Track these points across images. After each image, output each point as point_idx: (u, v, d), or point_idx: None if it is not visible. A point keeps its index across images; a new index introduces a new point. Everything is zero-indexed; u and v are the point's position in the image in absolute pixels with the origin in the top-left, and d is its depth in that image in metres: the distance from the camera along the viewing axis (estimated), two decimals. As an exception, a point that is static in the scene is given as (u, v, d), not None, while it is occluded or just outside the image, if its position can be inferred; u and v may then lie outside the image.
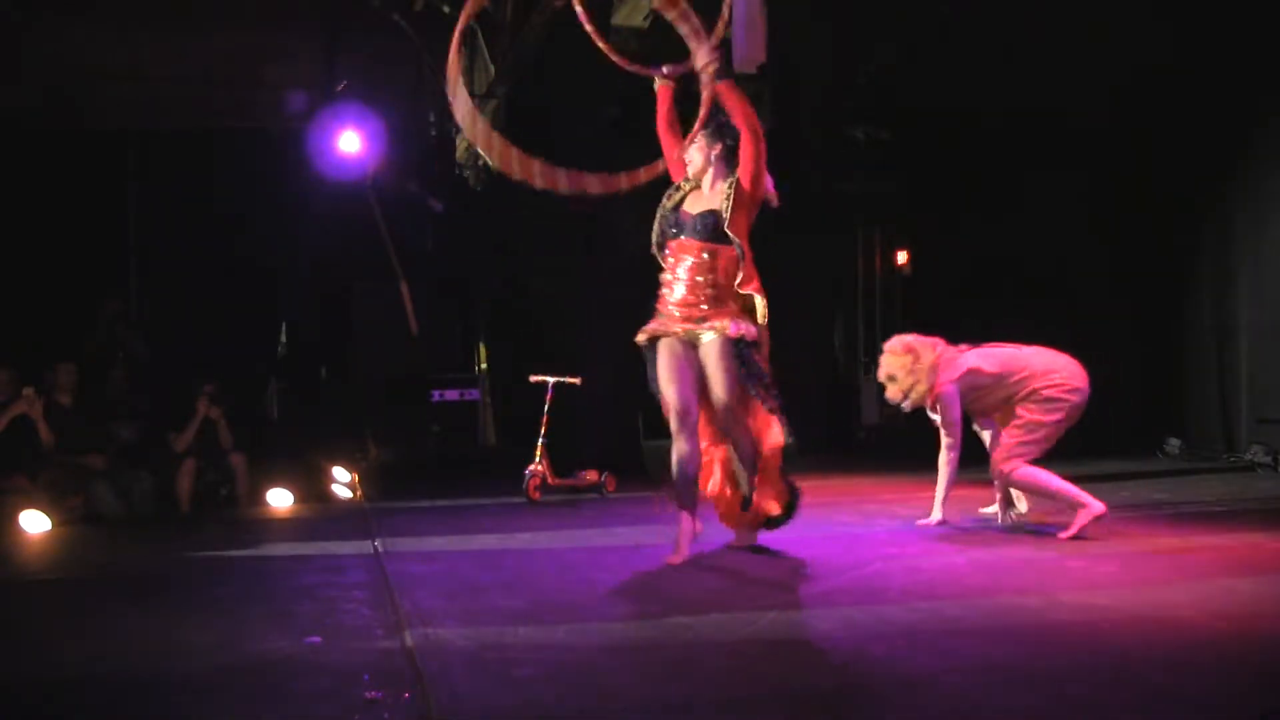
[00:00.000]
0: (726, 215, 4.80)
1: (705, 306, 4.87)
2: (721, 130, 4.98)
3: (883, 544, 5.30)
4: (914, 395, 5.89)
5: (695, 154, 5.05)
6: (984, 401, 5.93)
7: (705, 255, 4.87)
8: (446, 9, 12.80)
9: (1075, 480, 5.60)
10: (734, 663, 3.45)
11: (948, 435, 5.86)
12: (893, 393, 5.94)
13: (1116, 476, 7.61)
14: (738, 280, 4.85)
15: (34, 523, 6.50)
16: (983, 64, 10.06)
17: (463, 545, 5.72)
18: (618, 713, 3.04)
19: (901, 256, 12.16)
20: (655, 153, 5.22)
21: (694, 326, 4.88)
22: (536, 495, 7.31)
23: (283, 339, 11.01)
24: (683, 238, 4.93)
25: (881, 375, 5.99)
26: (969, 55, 10.19)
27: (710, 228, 4.86)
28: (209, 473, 7.66)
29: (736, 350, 4.82)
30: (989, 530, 5.71)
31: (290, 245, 10.63)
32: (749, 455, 5.01)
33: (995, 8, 9.30)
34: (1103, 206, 9.52)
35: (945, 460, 5.86)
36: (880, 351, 6.10)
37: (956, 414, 5.82)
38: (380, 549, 5.53)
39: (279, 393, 10.66)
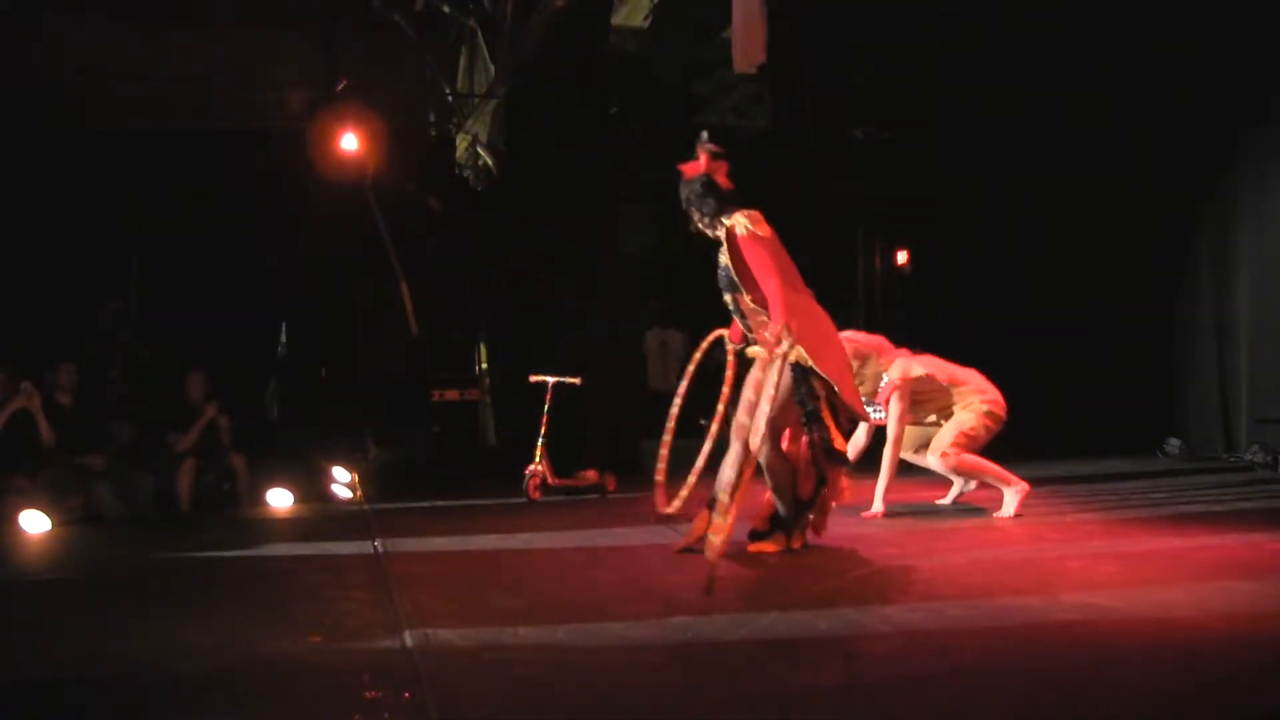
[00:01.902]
0: (731, 269, 5.10)
1: (767, 335, 5.06)
2: (686, 203, 5.28)
3: (883, 544, 5.30)
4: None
5: (698, 228, 5.35)
6: (925, 406, 6.28)
7: (743, 299, 5.16)
8: (446, 9, 12.85)
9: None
10: (734, 663, 3.45)
11: (894, 430, 6.15)
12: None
13: (1116, 476, 7.61)
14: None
15: (34, 523, 6.50)
16: (982, 63, 10.08)
17: (463, 545, 5.71)
18: (617, 713, 3.04)
19: (901, 256, 12.15)
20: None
21: (766, 351, 5.09)
22: (536, 495, 7.31)
23: (283, 339, 11.00)
24: (725, 294, 5.26)
25: None
26: (968, 55, 10.22)
27: (729, 280, 5.17)
28: (209, 473, 7.66)
29: (795, 372, 4.99)
30: (989, 530, 5.71)
31: (290, 245, 10.62)
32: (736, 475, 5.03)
33: (995, 7, 9.32)
34: (1102, 206, 9.52)
35: (890, 455, 6.18)
36: None
37: (904, 409, 6.17)
38: (380, 549, 5.53)
39: (279, 393, 10.66)
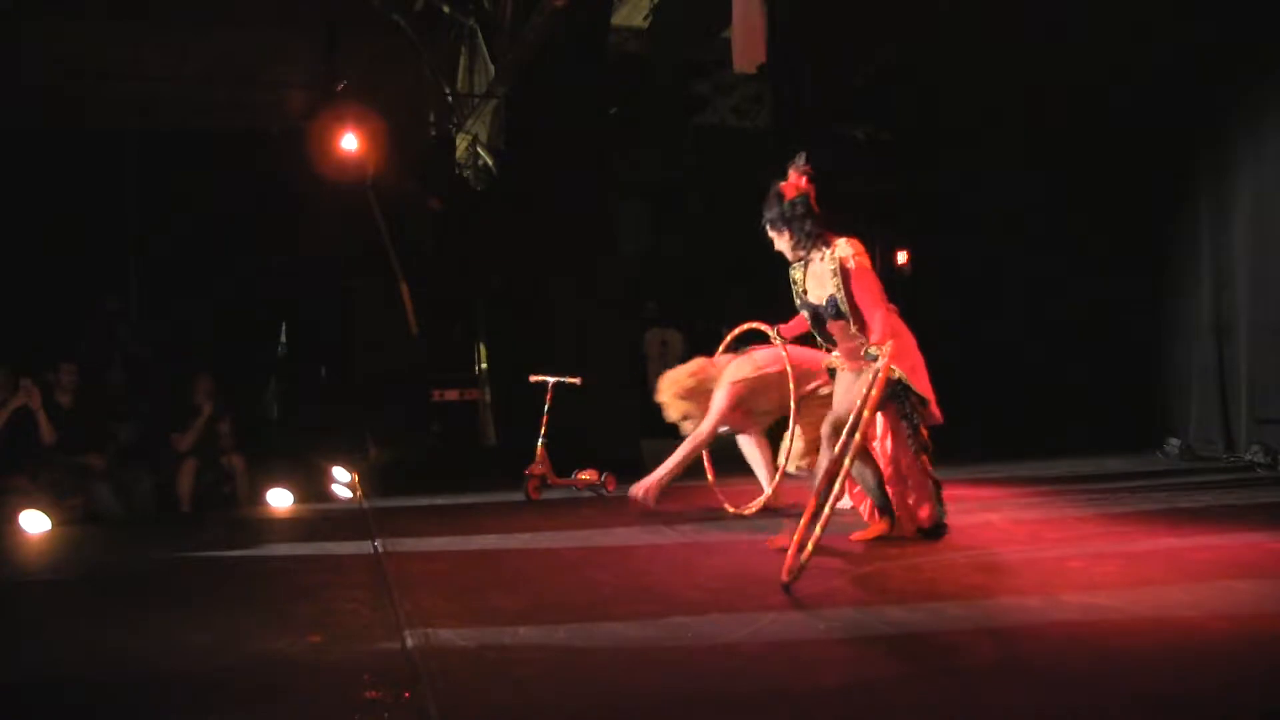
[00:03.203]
0: (841, 299, 5.11)
1: (863, 357, 5.15)
2: (781, 220, 5.22)
3: (883, 544, 5.29)
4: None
5: (782, 246, 5.32)
6: (760, 403, 6.24)
7: (850, 328, 5.18)
8: (446, 9, 12.86)
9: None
10: (734, 663, 3.45)
11: (708, 425, 6.14)
12: (688, 428, 6.36)
13: (1116, 476, 7.60)
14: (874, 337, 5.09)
15: (34, 523, 6.51)
16: (980, 62, 10.07)
17: (463, 545, 5.71)
18: (618, 713, 3.04)
19: (901, 256, 12.15)
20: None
21: (863, 367, 5.16)
22: (536, 495, 7.31)
23: (283, 339, 11.01)
24: (829, 321, 5.25)
25: (677, 416, 6.40)
26: (967, 54, 10.21)
27: (836, 309, 5.17)
28: (209, 473, 7.66)
29: (891, 387, 5.04)
30: (989, 530, 5.70)
31: (290, 245, 10.63)
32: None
33: (993, 6, 9.30)
34: (1102, 206, 9.52)
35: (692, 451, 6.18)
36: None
37: (725, 410, 6.15)
38: (380, 549, 5.53)
39: (279, 393, 10.67)
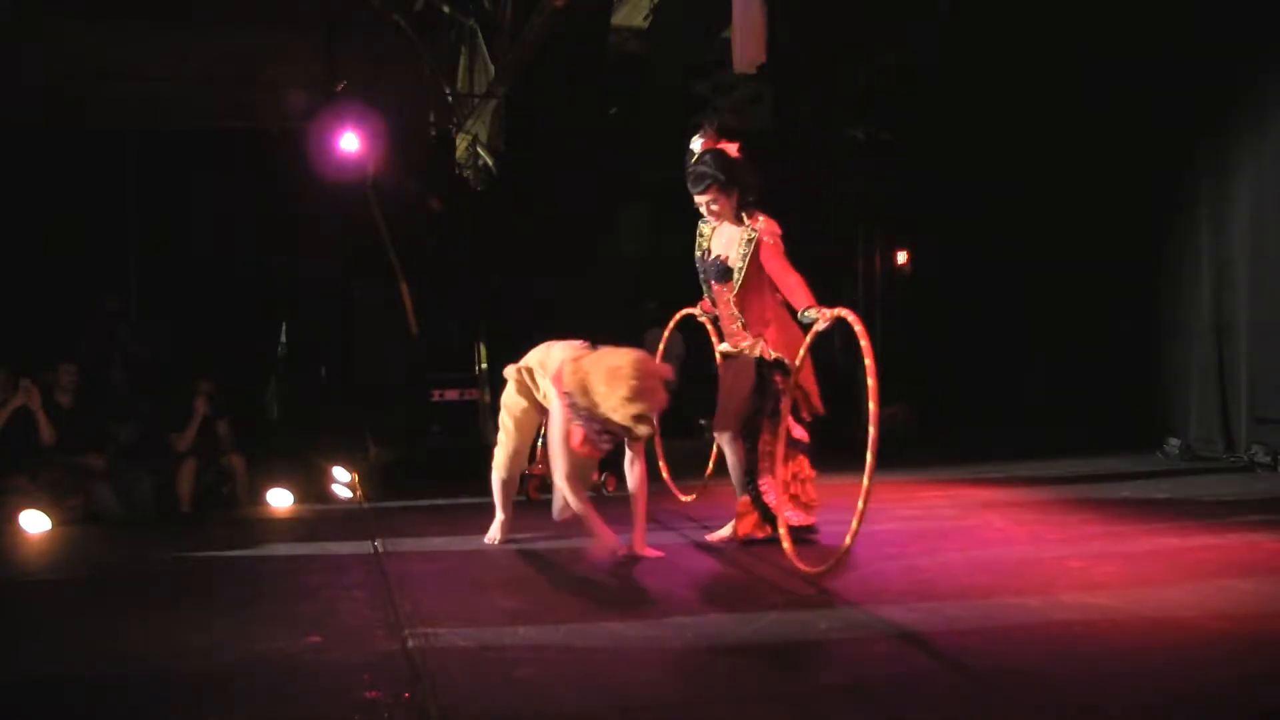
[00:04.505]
0: (741, 270, 5.11)
1: (740, 331, 5.25)
2: (734, 182, 5.15)
3: (883, 544, 5.29)
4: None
5: (720, 208, 5.21)
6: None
7: (728, 295, 5.23)
8: (446, 9, 12.85)
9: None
10: (734, 663, 3.45)
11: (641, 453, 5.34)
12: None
13: (1116, 476, 7.60)
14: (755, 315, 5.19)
15: (34, 523, 6.50)
16: (979, 62, 10.08)
17: (463, 545, 5.72)
18: (617, 712, 3.04)
19: (901, 256, 12.16)
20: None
21: (736, 349, 5.31)
22: (536, 495, 7.31)
23: (283, 339, 11.01)
24: (713, 281, 5.31)
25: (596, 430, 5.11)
26: (966, 54, 10.23)
27: (723, 270, 5.22)
28: (208, 473, 7.65)
29: (757, 367, 5.17)
30: (989, 530, 5.70)
31: (290, 245, 10.62)
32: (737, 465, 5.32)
33: (993, 7, 9.32)
34: (1102, 206, 9.52)
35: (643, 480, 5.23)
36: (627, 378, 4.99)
37: None
38: (380, 549, 5.53)
39: (279, 393, 10.66)
